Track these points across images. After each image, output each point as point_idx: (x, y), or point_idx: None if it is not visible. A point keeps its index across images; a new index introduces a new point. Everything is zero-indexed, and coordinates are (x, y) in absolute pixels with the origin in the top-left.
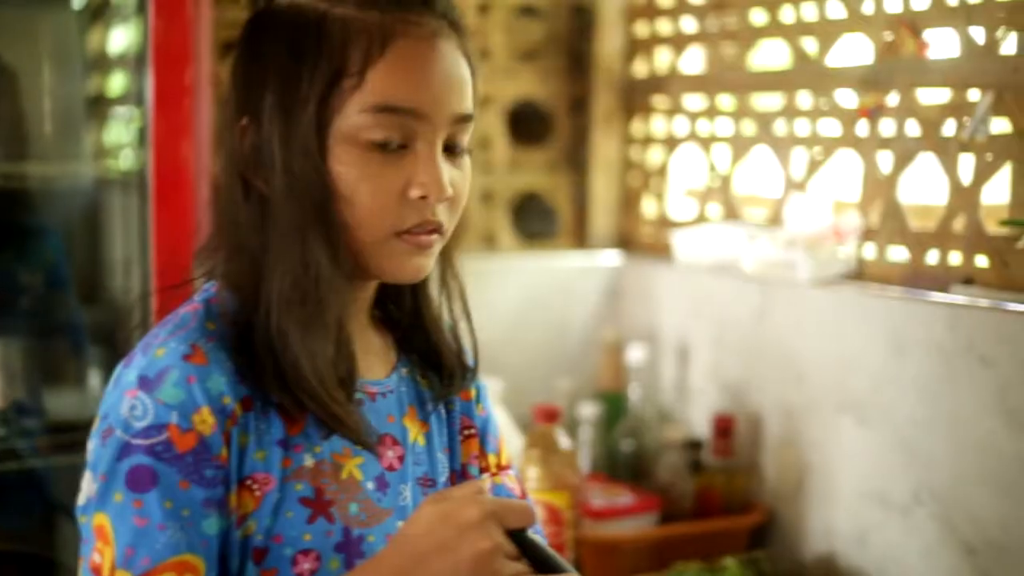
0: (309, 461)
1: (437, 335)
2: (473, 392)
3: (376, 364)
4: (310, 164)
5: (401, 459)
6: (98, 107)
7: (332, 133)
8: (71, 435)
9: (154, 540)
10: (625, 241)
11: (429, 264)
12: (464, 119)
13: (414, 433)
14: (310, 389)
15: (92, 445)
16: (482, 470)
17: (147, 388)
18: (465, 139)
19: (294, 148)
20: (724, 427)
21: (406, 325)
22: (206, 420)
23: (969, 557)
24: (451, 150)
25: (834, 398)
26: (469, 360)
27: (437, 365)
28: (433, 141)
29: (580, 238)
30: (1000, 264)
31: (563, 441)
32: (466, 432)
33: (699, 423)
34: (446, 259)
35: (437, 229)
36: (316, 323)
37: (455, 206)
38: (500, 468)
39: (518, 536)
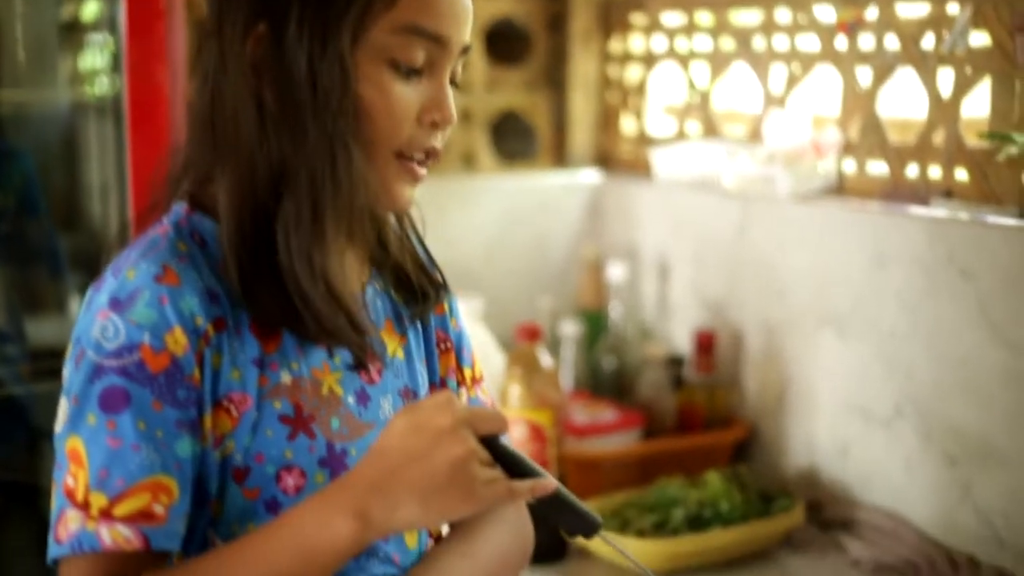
0: (287, 378)
1: (401, 255)
2: (446, 306)
3: (352, 279)
4: (341, 79)
5: (380, 373)
6: (72, 33)
7: (359, 49)
8: (52, 362)
9: (128, 461)
10: (604, 159)
11: (414, 197)
12: (466, 50)
13: (392, 347)
14: (335, 310)
15: (67, 371)
16: (458, 384)
17: (118, 309)
18: (460, 70)
19: (326, 61)
20: (705, 343)
21: (372, 244)
22: (178, 341)
23: (950, 468)
24: (451, 79)
25: (815, 313)
26: (438, 276)
27: (407, 285)
28: (446, 68)
29: (559, 157)
30: (980, 177)
31: (545, 359)
32: (443, 346)
33: (680, 339)
34: None
35: (434, 156)
36: (335, 242)
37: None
38: (474, 381)
39: (491, 443)
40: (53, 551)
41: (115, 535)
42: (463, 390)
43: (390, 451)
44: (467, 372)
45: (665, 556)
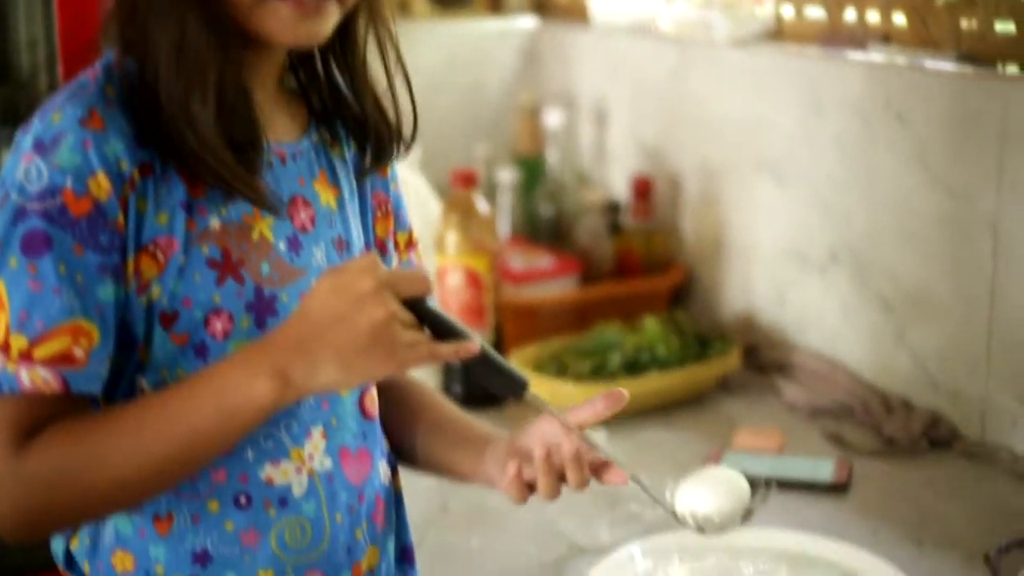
0: (215, 223)
1: (362, 101)
2: (388, 170)
3: (287, 128)
4: None
5: (313, 221)
6: None
7: None
8: None
9: (49, 304)
10: (541, 5)
11: (323, 28)
12: None
13: (325, 197)
14: (200, 155)
15: None
16: (395, 247)
17: (42, 152)
18: None
19: None
20: (642, 189)
21: (324, 94)
22: (102, 185)
23: (885, 313)
24: None
25: (752, 158)
26: (404, 127)
27: (361, 134)
28: None
29: (495, 3)
30: (918, 22)
31: (481, 206)
32: (384, 209)
33: (618, 185)
34: (372, 12)
35: None
36: (196, 88)
37: None
38: (408, 245)
39: (415, 305)
40: None
41: (34, 377)
42: (397, 254)
43: (312, 313)
44: (402, 236)
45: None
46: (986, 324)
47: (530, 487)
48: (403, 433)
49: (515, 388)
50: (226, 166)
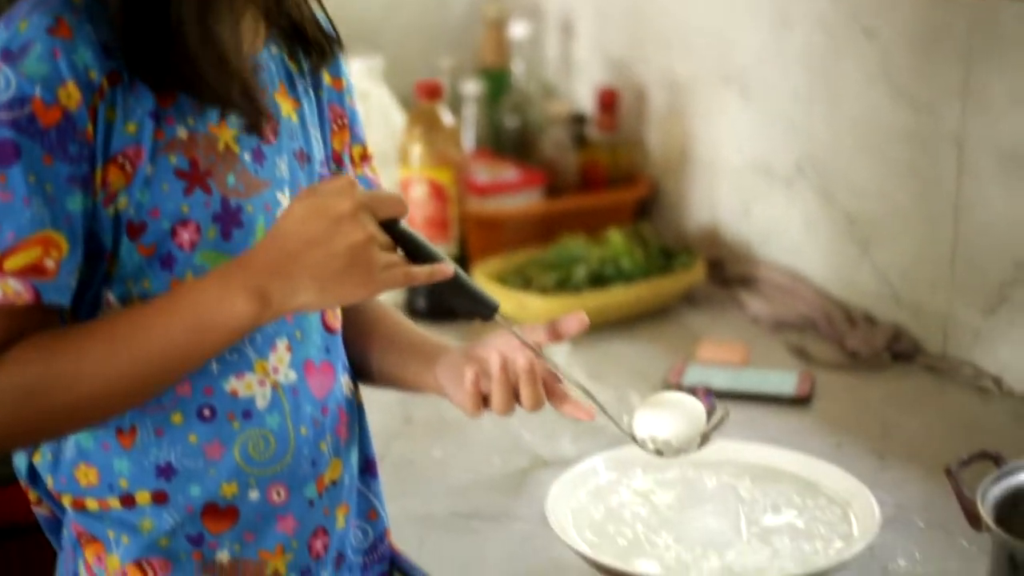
0: (183, 133)
1: (297, 11)
2: (343, 82)
3: (248, 41)
4: None
5: (275, 133)
6: None
7: None
8: None
9: (19, 215)
10: None
11: None
12: None
13: (286, 109)
14: (226, 75)
15: None
16: (350, 160)
17: (10, 61)
18: None
19: None
20: (608, 101)
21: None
22: (71, 95)
23: (849, 226)
24: None
25: (718, 71)
26: (328, 29)
27: (302, 39)
28: None
29: None
30: None
31: (446, 118)
32: (340, 122)
33: (583, 97)
34: None
35: None
36: (212, 4)
37: None
38: (363, 159)
39: (391, 227)
40: None
41: (5, 288)
42: (352, 168)
43: (289, 235)
44: (356, 150)
45: (566, 314)
46: (950, 239)
47: (484, 400)
48: (358, 348)
49: (485, 310)
50: (239, 80)
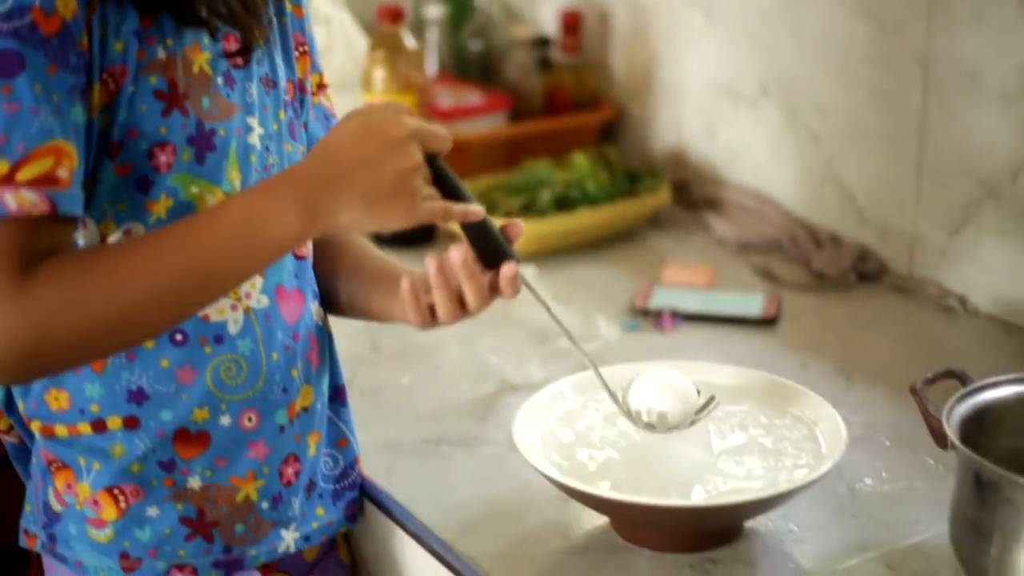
0: (162, 54)
1: None
2: (303, 10)
3: None
4: None
5: (244, 58)
6: None
7: None
8: None
9: (27, 125)
10: None
11: None
12: None
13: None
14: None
15: None
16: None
17: None
18: None
19: None
20: (572, 23)
21: None
22: (68, 4)
23: (814, 147)
24: None
25: None
26: None
27: None
28: None
29: None
30: None
31: (409, 42)
32: (301, 49)
33: (547, 20)
34: None
35: None
36: None
37: None
38: (320, 88)
39: (431, 161)
40: None
41: (20, 200)
42: (310, 96)
43: (341, 152)
44: (314, 78)
45: (533, 237)
46: (915, 158)
47: (433, 314)
48: (326, 278)
49: (504, 260)
50: (237, 2)
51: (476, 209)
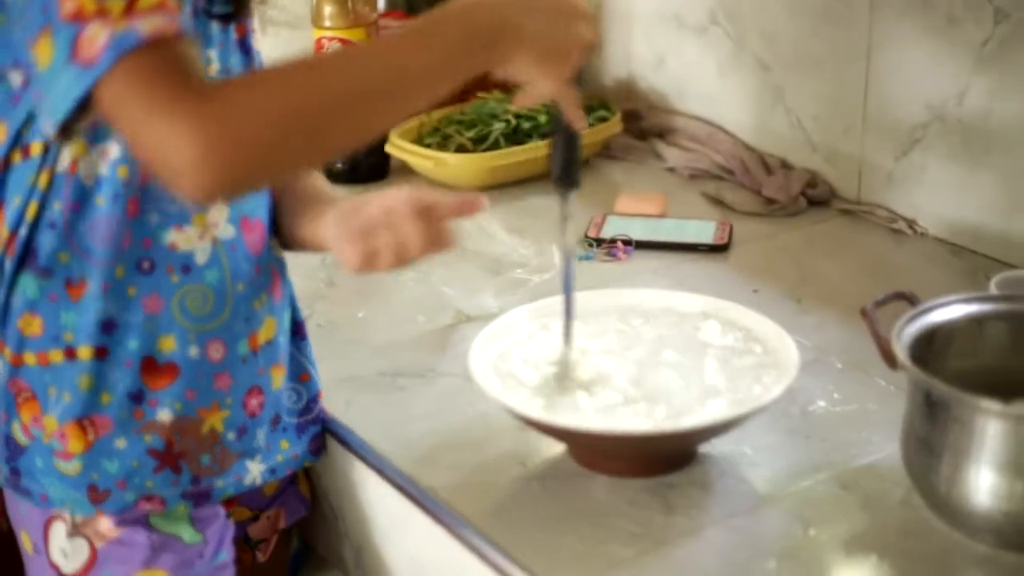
0: None
1: None
2: None
3: None
4: None
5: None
6: None
7: None
8: None
9: None
10: None
11: None
12: None
13: None
14: None
15: None
16: None
17: None
18: None
19: None
20: None
21: None
22: None
23: (763, 74)
24: None
25: None
26: None
27: None
28: None
29: None
30: None
31: None
32: None
33: None
34: None
35: None
36: None
37: None
38: None
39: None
40: (83, 80)
41: (152, 24)
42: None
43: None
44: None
45: (485, 170)
46: (862, 83)
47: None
48: (278, 214)
49: (569, 182)
50: None
51: (585, 121)
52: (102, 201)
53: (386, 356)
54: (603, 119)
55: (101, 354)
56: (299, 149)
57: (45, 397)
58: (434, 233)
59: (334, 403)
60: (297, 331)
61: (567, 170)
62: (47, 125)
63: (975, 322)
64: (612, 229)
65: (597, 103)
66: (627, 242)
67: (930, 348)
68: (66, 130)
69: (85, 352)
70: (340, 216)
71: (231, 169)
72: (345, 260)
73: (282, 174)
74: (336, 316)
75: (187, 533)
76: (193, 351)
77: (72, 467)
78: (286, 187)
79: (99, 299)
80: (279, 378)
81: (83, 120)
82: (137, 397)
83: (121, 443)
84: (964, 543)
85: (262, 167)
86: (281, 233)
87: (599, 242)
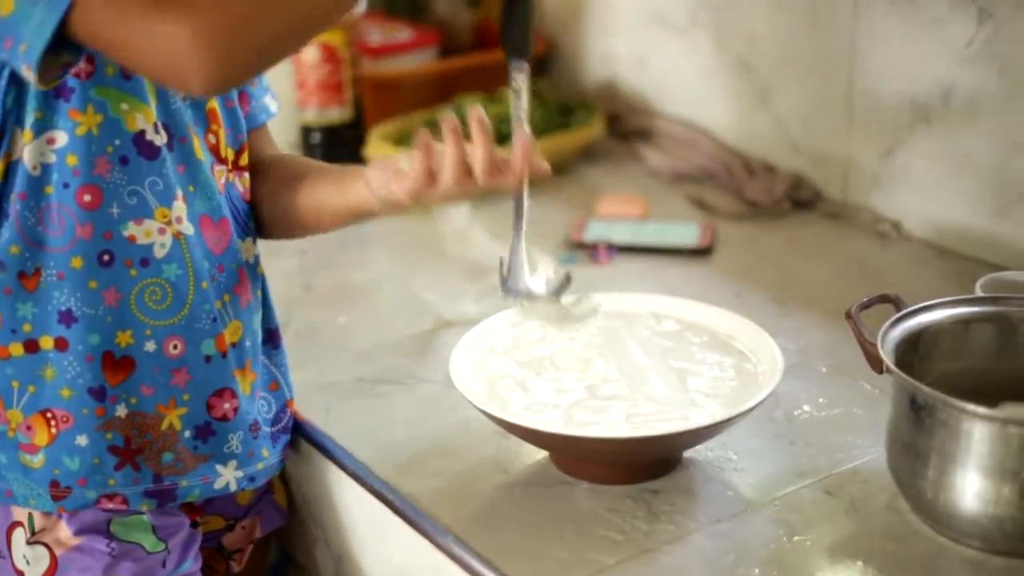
0: None
1: None
2: None
3: None
4: None
5: None
6: None
7: None
8: None
9: None
10: None
11: None
12: None
13: None
14: None
15: None
16: None
17: None
18: None
19: None
20: None
21: None
22: None
23: (746, 75)
24: None
25: None
26: None
27: None
28: None
29: None
30: None
31: None
32: None
33: None
34: None
35: None
36: None
37: None
38: None
39: None
40: (57, 8)
41: None
42: None
43: None
44: None
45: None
46: (846, 84)
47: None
48: (277, 200)
49: (520, 48)
50: None
51: None
52: (50, 190)
53: (366, 362)
54: (585, 122)
55: (62, 346)
56: (285, 19)
57: (8, 391)
58: (501, 162)
59: (314, 410)
60: (270, 339)
61: (516, 37)
62: (25, 71)
63: (961, 325)
64: (594, 232)
65: (578, 105)
66: (609, 245)
67: (915, 351)
68: (45, 75)
69: (47, 343)
70: (381, 164)
71: (235, 49)
72: (398, 180)
73: (277, 47)
74: (315, 321)
75: (148, 541)
76: (150, 346)
77: (37, 460)
78: (288, 175)
79: (56, 289)
80: (250, 384)
81: (61, 60)
82: (99, 394)
83: (82, 440)
84: (950, 547)
85: (259, 40)
86: (295, 215)
87: (581, 245)
